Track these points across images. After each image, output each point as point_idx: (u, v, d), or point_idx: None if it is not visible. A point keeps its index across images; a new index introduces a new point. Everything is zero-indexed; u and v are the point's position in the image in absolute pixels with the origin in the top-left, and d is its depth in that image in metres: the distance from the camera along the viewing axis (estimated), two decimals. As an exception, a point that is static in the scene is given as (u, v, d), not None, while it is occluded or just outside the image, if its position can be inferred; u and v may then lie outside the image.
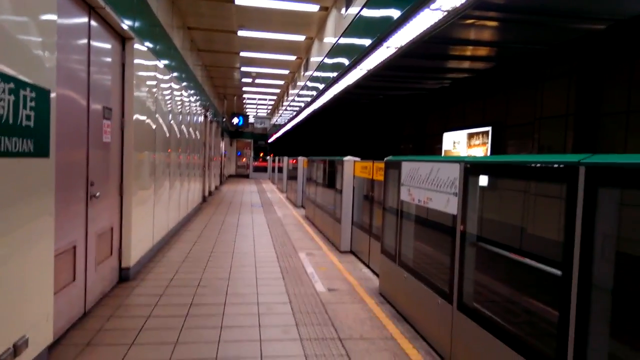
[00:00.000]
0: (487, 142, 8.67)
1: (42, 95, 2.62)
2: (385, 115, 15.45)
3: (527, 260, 2.70)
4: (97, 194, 4.05)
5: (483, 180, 3.00)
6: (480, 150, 8.92)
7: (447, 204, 3.27)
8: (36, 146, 2.56)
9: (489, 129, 8.66)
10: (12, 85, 2.27)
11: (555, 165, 2.17)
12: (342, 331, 3.74)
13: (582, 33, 5.77)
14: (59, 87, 3.04)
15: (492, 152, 8.48)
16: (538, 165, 2.33)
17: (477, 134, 9.11)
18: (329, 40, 9.14)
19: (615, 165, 1.78)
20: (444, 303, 3.30)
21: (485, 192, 3.04)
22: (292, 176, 15.27)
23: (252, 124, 28.49)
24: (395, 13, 4.70)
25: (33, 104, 2.49)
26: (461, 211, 3.09)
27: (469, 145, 9.42)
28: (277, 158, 23.26)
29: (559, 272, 2.07)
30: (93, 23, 3.94)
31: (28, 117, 2.44)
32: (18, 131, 2.35)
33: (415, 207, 4.11)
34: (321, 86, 9.62)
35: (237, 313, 4.09)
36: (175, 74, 7.63)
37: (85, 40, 3.80)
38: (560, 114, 6.53)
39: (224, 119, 22.30)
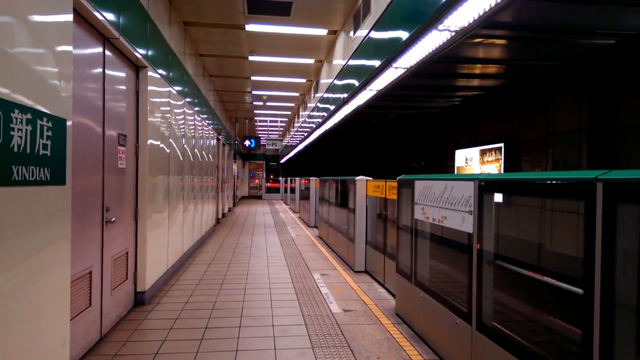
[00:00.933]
0: (501, 159, 8.60)
1: (58, 124, 2.68)
2: (397, 133, 15.46)
3: (547, 279, 2.64)
4: (113, 219, 4.10)
5: (498, 197, 2.97)
6: (494, 166, 8.85)
7: (463, 222, 3.24)
8: (53, 174, 2.60)
9: (501, 145, 8.60)
10: (29, 115, 2.33)
11: (572, 183, 2.14)
12: (359, 353, 3.68)
13: (592, 48, 5.76)
14: (75, 115, 3.11)
15: (505, 169, 8.40)
16: (554, 182, 2.30)
17: (490, 150, 9.05)
18: (338, 62, 9.24)
19: (633, 181, 1.75)
20: (462, 323, 3.24)
21: (501, 208, 3.01)
22: (305, 196, 15.28)
23: (264, 145, 28.73)
24: (403, 34, 4.75)
25: (50, 133, 2.55)
26: (477, 229, 3.05)
27: (482, 162, 9.36)
28: (289, 179, 23.34)
29: (580, 291, 2.03)
30: (107, 53, 4.05)
31: (45, 147, 2.49)
32: (35, 160, 2.39)
33: (429, 226, 4.07)
34: (331, 107, 9.69)
35: (252, 336, 4.06)
36: (188, 100, 7.76)
37: (100, 70, 3.90)
38: (574, 128, 6.47)
39: (236, 142, 22.54)
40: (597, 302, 1.91)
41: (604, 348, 1.88)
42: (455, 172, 10.50)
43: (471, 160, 9.87)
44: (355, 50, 7.24)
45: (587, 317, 1.95)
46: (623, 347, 1.84)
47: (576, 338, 2.08)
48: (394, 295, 5.20)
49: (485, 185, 3.00)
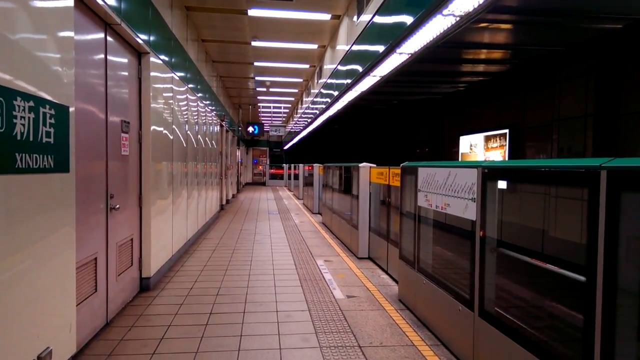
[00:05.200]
0: (505, 145, 8.55)
1: (61, 111, 2.67)
2: (401, 120, 15.39)
3: (550, 266, 2.64)
4: (117, 206, 4.12)
5: (502, 184, 2.96)
6: (498, 153, 8.80)
7: (466, 209, 3.24)
8: (56, 162, 2.61)
9: (506, 131, 8.55)
10: (31, 103, 2.33)
11: (576, 170, 2.13)
12: (362, 339, 3.71)
13: (599, 33, 5.67)
14: (77, 102, 3.11)
15: (510, 155, 8.36)
16: (557, 170, 2.29)
17: (495, 136, 9.00)
18: (342, 47, 9.16)
19: (638, 170, 1.74)
20: (465, 310, 3.26)
21: (505, 195, 3.00)
22: (308, 183, 15.30)
23: (267, 132, 28.68)
24: (407, 19, 4.69)
25: (52, 120, 2.55)
26: (480, 217, 3.05)
27: (487, 148, 9.31)
28: (292, 165, 23.35)
29: (583, 278, 2.03)
30: (109, 39, 4.02)
31: (48, 134, 2.49)
32: (38, 148, 2.40)
33: (433, 213, 4.08)
34: (335, 93, 9.64)
35: (256, 321, 4.10)
36: (190, 86, 7.73)
37: (102, 56, 3.88)
38: (579, 114, 6.42)
39: (240, 128, 22.50)
40: (599, 289, 1.91)
41: (606, 334, 1.88)
42: (460, 159, 10.46)
43: (476, 147, 9.83)
44: (359, 36, 7.17)
45: (589, 304, 1.96)
46: (625, 333, 1.85)
47: (579, 324, 2.08)
48: (397, 282, 5.23)
49: (489, 173, 2.98)
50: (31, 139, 2.32)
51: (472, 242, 3.16)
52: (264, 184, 31.73)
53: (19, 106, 2.21)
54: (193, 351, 3.45)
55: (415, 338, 3.76)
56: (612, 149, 5.84)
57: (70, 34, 2.89)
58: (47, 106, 2.49)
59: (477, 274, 3.07)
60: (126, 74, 4.55)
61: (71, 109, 2.83)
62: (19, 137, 2.21)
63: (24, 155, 2.26)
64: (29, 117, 2.30)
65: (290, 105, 22.61)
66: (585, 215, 2.00)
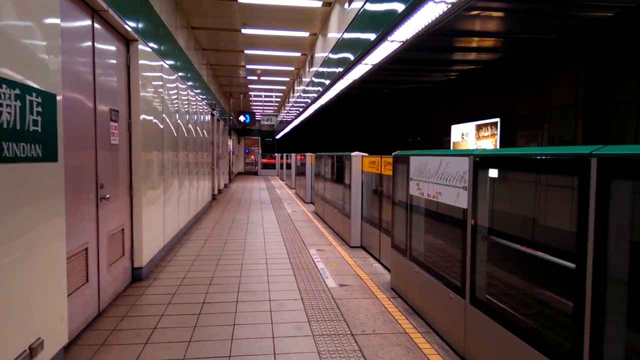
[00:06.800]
0: (496, 134, 8.58)
1: (48, 99, 2.63)
2: (392, 109, 15.37)
3: (540, 254, 2.67)
4: (107, 196, 4.08)
5: (493, 172, 2.97)
6: (490, 141, 8.83)
7: (457, 198, 3.25)
8: (44, 151, 2.57)
9: (497, 120, 8.57)
10: (17, 91, 2.28)
11: (566, 158, 2.13)
12: (355, 327, 3.74)
13: (590, 21, 5.68)
14: (65, 90, 3.06)
15: (501, 144, 8.40)
16: (548, 157, 2.30)
17: (486, 125, 9.02)
18: (333, 35, 9.10)
19: (627, 157, 1.75)
20: (456, 297, 3.29)
21: (496, 183, 3.01)
22: (301, 172, 15.29)
23: (259, 121, 28.52)
24: (399, 6, 4.66)
25: (39, 109, 2.51)
26: (471, 205, 3.06)
27: (478, 137, 9.34)
28: (285, 155, 23.30)
29: (573, 265, 2.05)
30: (96, 26, 3.95)
31: (35, 123, 2.45)
32: (25, 137, 2.36)
33: (424, 201, 4.09)
34: (327, 82, 9.59)
35: (249, 310, 4.11)
36: (180, 74, 7.64)
37: (89, 43, 3.81)
38: (570, 103, 6.44)
39: (231, 117, 22.36)
40: (589, 276, 1.93)
41: (596, 321, 1.91)
42: (452, 148, 10.49)
43: (467, 136, 9.85)
44: (351, 23, 7.12)
45: (579, 291, 1.98)
46: (614, 319, 1.87)
47: (568, 310, 2.11)
48: (389, 270, 5.26)
49: (480, 161, 2.99)
50: (18, 127, 2.28)
51: (463, 230, 3.18)
52: (256, 173, 31.64)
53: (4, 94, 2.17)
54: (186, 340, 3.45)
55: (407, 325, 3.79)
56: (602, 137, 5.88)
57: (57, 20, 2.83)
58: (34, 94, 2.45)
59: (469, 261, 3.09)
60: (114, 62, 4.48)
61: (58, 97, 2.78)
62: (5, 126, 2.17)
63: (10, 144, 2.22)
64: (15, 105, 2.25)
65: (281, 94, 22.49)
66: (575, 202, 2.02)
